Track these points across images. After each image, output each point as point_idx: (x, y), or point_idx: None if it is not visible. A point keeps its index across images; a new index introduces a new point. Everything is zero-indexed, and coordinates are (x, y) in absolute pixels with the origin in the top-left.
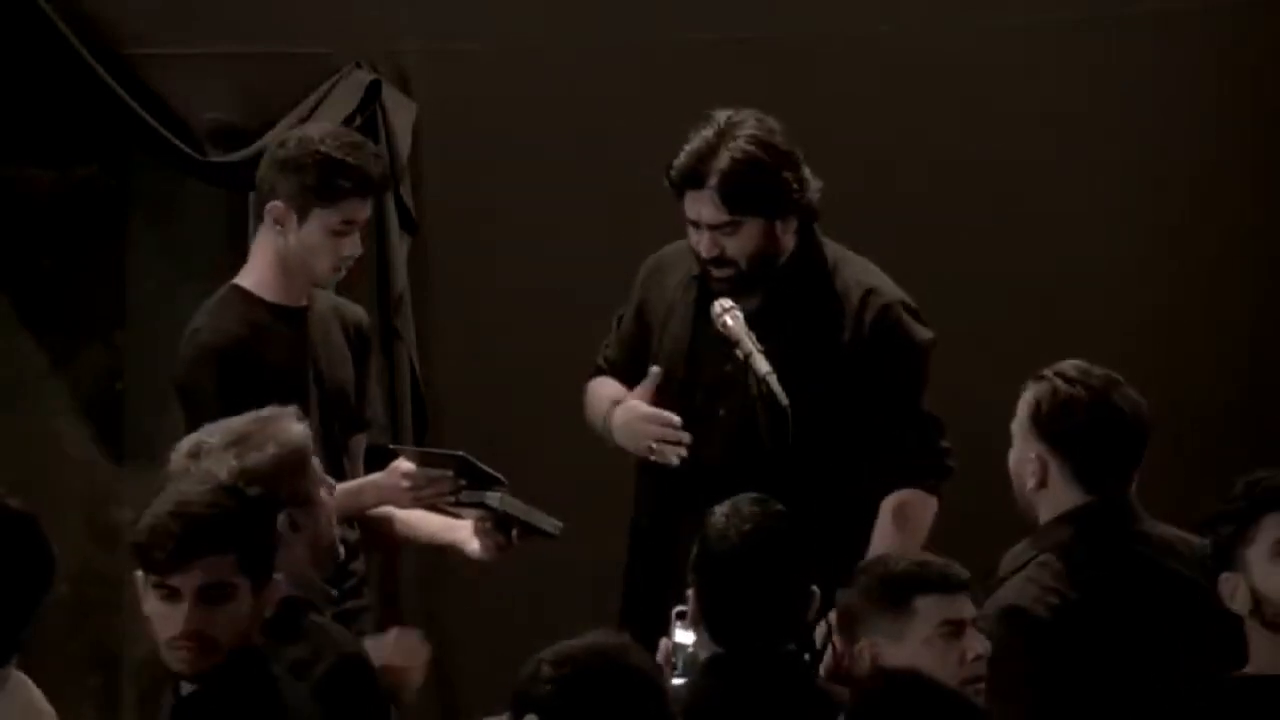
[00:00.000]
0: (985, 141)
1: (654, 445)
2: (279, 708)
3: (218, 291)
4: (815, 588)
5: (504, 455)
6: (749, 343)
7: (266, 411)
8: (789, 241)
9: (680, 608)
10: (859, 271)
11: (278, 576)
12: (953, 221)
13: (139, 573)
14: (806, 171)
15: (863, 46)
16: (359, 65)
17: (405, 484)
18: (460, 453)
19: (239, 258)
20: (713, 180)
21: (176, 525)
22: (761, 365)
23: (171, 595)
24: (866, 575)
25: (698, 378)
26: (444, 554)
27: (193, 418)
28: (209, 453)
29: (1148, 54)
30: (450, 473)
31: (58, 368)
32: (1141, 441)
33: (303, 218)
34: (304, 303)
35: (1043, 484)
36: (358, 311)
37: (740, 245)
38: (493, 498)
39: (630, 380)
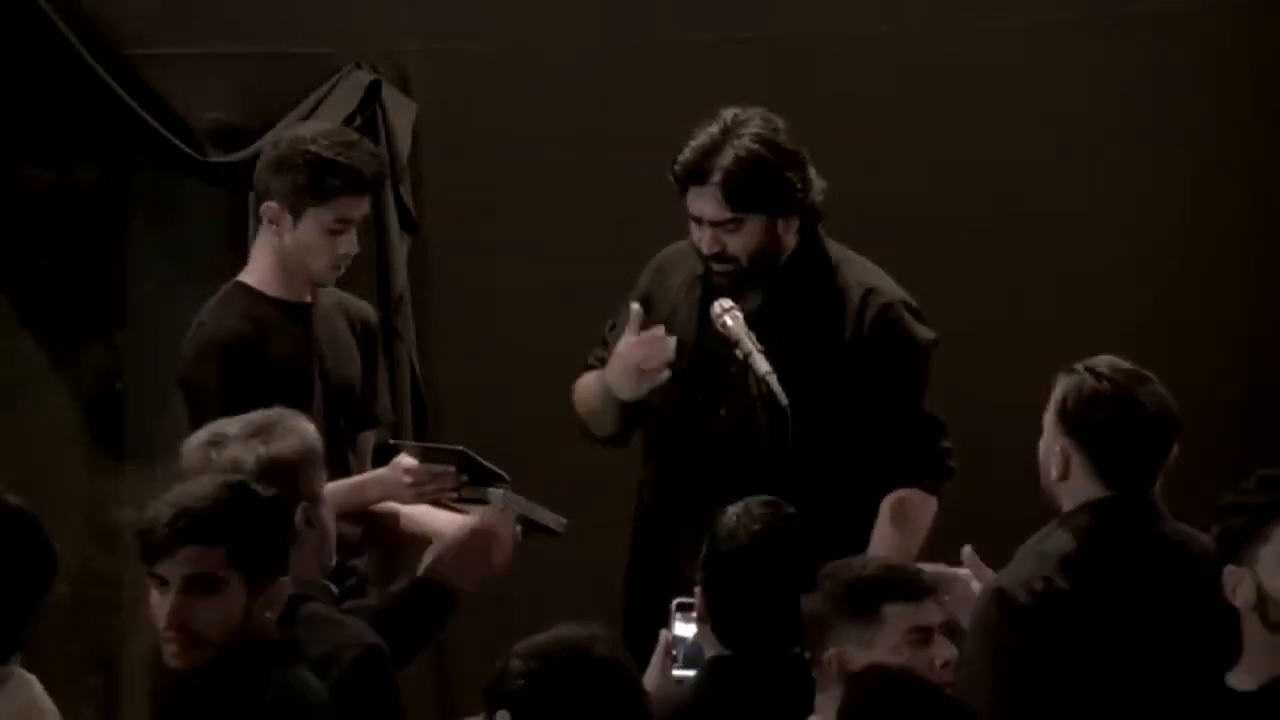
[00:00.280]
0: (985, 141)
1: (644, 366)
2: (263, 706)
3: (222, 288)
4: None
5: (504, 455)
6: (749, 343)
7: (275, 410)
8: (791, 240)
9: (680, 599)
10: (860, 271)
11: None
12: (953, 221)
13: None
14: (811, 172)
15: (863, 46)
16: (359, 65)
17: (407, 479)
18: (460, 448)
19: (239, 258)
20: (716, 177)
21: (169, 514)
22: (761, 365)
23: (162, 585)
24: (832, 582)
25: (699, 378)
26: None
27: (196, 413)
28: (231, 442)
29: (1148, 54)
30: (452, 468)
31: (58, 368)
32: (1166, 439)
33: (297, 217)
34: (308, 299)
35: (1064, 476)
36: (364, 308)
37: (742, 243)
38: (495, 493)
39: None
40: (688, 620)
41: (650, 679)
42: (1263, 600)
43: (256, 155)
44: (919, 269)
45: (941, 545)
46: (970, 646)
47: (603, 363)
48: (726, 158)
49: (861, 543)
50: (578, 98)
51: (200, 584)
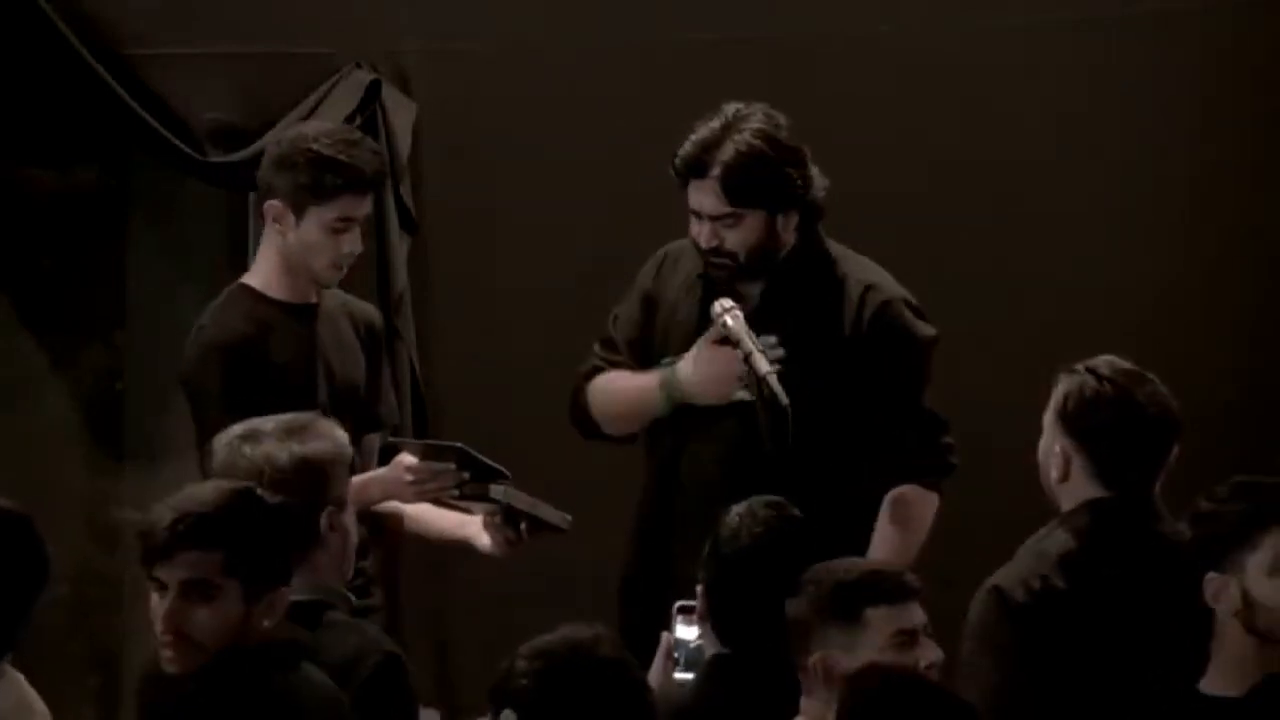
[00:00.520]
0: (985, 141)
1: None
2: (260, 709)
3: (225, 290)
4: None
5: (504, 455)
6: (749, 343)
7: (308, 414)
8: (789, 237)
9: (681, 602)
10: (860, 268)
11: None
12: (953, 221)
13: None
14: (814, 170)
15: (863, 46)
16: (359, 65)
17: (409, 478)
18: (459, 444)
19: (239, 258)
20: (716, 170)
21: (169, 517)
22: (761, 365)
23: (160, 588)
24: (815, 586)
25: None
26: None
27: (198, 414)
28: (265, 438)
29: (1148, 54)
30: (453, 465)
31: (58, 368)
32: (1166, 440)
33: (300, 216)
34: (313, 300)
35: (1065, 477)
36: (368, 310)
37: (740, 238)
38: (497, 490)
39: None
40: (689, 623)
41: (651, 681)
42: (1249, 606)
43: (256, 155)
44: (919, 269)
45: (942, 545)
46: (968, 646)
47: (608, 363)
48: (727, 152)
49: (863, 542)
50: (578, 98)
51: (196, 589)
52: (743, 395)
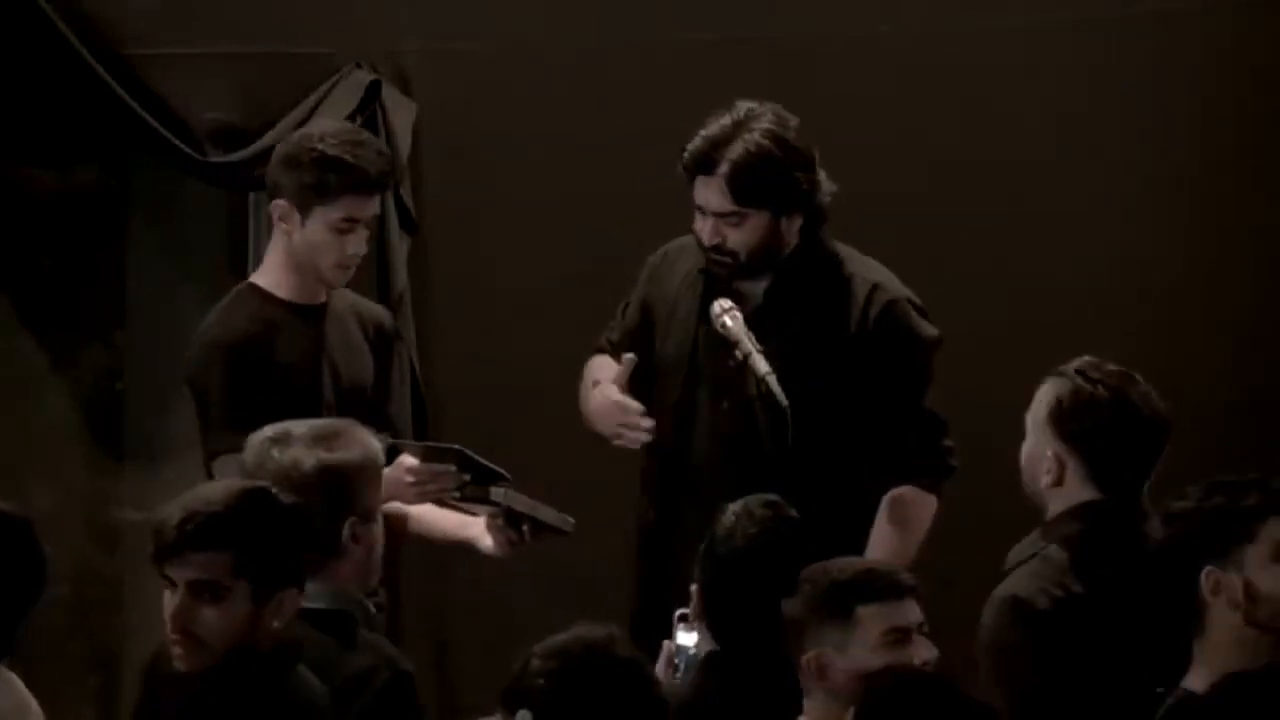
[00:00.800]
0: (985, 141)
1: (619, 432)
2: (268, 709)
3: (234, 289)
4: None
5: (504, 455)
6: (748, 343)
7: (345, 420)
8: (792, 239)
9: (682, 610)
10: (865, 268)
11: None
12: (953, 221)
13: None
14: (822, 174)
15: (863, 46)
16: (359, 65)
17: (410, 479)
18: (457, 447)
19: (239, 258)
20: (723, 168)
21: (179, 516)
22: (760, 365)
23: (170, 586)
24: (810, 586)
25: (701, 371)
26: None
27: (203, 413)
28: (295, 442)
29: (1148, 54)
30: (453, 467)
31: (58, 368)
32: (1160, 441)
33: (305, 215)
34: (321, 300)
35: (1058, 481)
36: (377, 310)
37: (743, 238)
38: (497, 492)
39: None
40: (689, 630)
41: None
42: (1252, 599)
43: (257, 155)
44: (919, 269)
45: (941, 545)
46: (988, 658)
47: (612, 346)
48: (735, 150)
49: (862, 542)
50: (578, 98)
51: (205, 590)
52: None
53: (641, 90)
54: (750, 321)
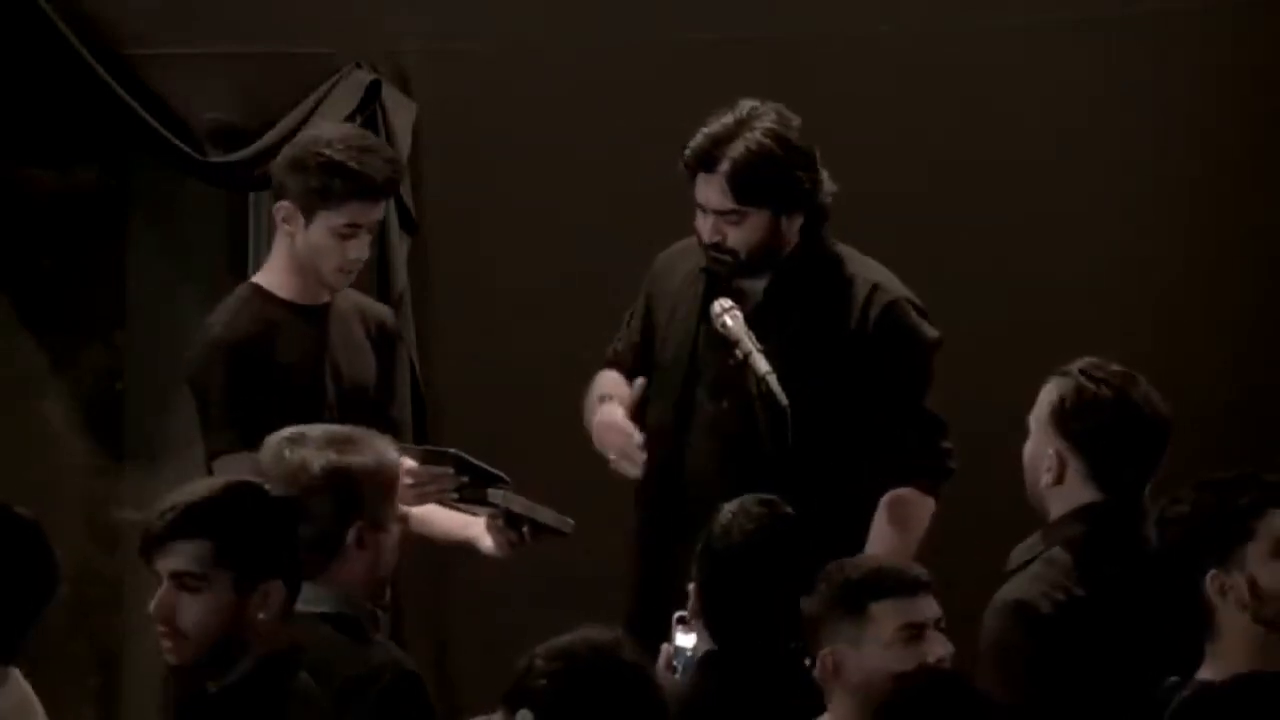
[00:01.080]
0: (985, 141)
1: (613, 456)
2: (247, 710)
3: (237, 288)
4: None
5: (504, 455)
6: (748, 343)
7: (364, 429)
8: (792, 238)
9: (681, 613)
10: (865, 268)
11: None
12: (953, 221)
13: None
14: (824, 174)
15: (863, 46)
16: (359, 65)
17: (408, 480)
18: (453, 450)
19: (239, 258)
20: (724, 166)
21: (165, 508)
22: (761, 365)
23: (159, 581)
24: (826, 583)
25: (701, 371)
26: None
27: (203, 413)
28: (308, 443)
29: (1148, 54)
30: (451, 469)
31: (58, 368)
32: (1162, 441)
33: (309, 219)
34: (324, 300)
35: (1059, 480)
36: (381, 311)
37: (743, 236)
38: (495, 494)
39: (634, 377)
40: (688, 632)
41: None
42: (1257, 597)
43: (257, 155)
44: (919, 269)
45: (941, 545)
46: (990, 662)
47: (617, 356)
48: (736, 148)
49: (861, 542)
50: (578, 98)
51: (186, 581)
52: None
53: (641, 90)
54: (750, 320)
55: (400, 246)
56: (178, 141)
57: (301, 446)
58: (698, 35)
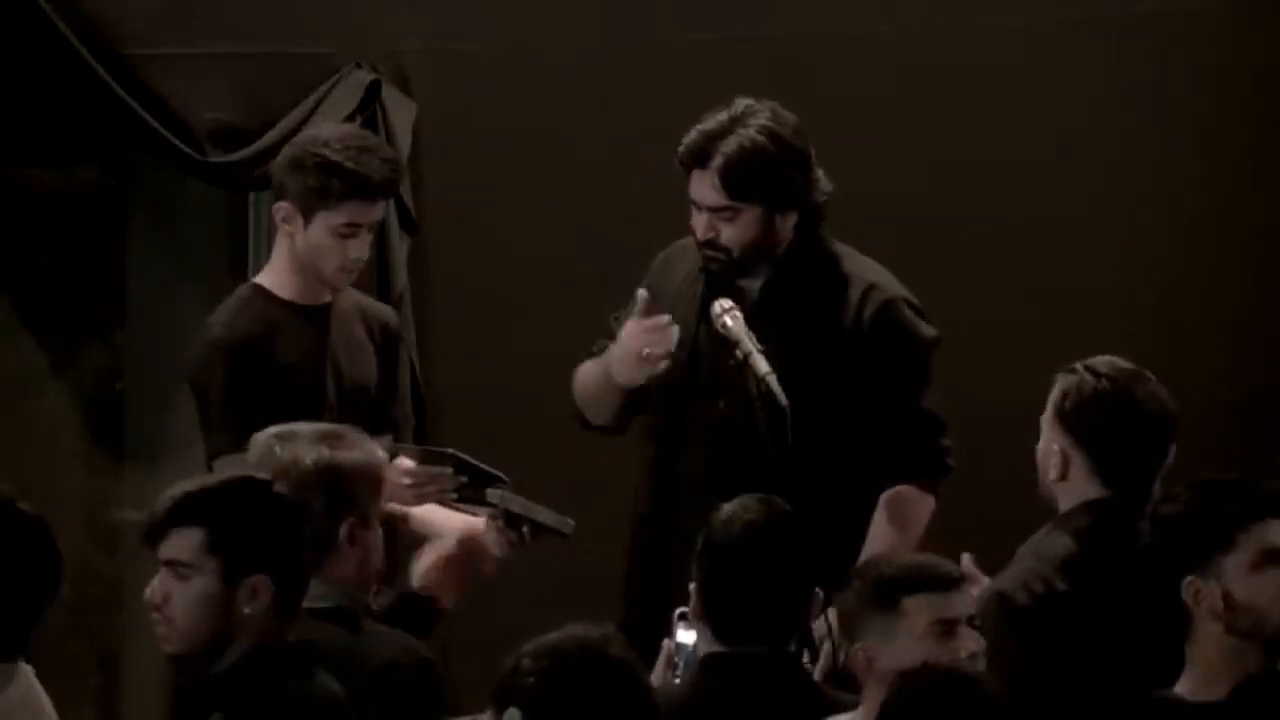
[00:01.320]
0: (985, 141)
1: (646, 353)
2: (240, 700)
3: (238, 289)
4: (819, 590)
5: (504, 455)
6: (748, 343)
7: (349, 429)
8: (786, 236)
9: (682, 609)
10: (862, 268)
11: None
12: (953, 221)
13: None
14: (819, 173)
15: (863, 46)
16: (359, 65)
17: (407, 481)
18: (451, 450)
19: (239, 258)
20: (717, 162)
21: (168, 495)
22: (761, 365)
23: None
24: (860, 579)
25: (701, 369)
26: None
27: (203, 412)
28: (299, 439)
29: (1148, 54)
30: (450, 469)
31: (58, 368)
32: (1165, 439)
33: (308, 219)
34: (325, 300)
35: (1064, 476)
36: (383, 311)
37: (736, 233)
38: (493, 494)
39: None
40: (689, 629)
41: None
42: (1231, 609)
43: (257, 155)
44: (919, 269)
45: (941, 545)
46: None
47: (605, 351)
48: (730, 145)
49: (861, 541)
50: (578, 98)
51: (178, 569)
52: (656, 370)
53: (641, 90)
54: (747, 319)
55: (400, 246)
56: (178, 141)
57: (292, 443)
58: (698, 35)
